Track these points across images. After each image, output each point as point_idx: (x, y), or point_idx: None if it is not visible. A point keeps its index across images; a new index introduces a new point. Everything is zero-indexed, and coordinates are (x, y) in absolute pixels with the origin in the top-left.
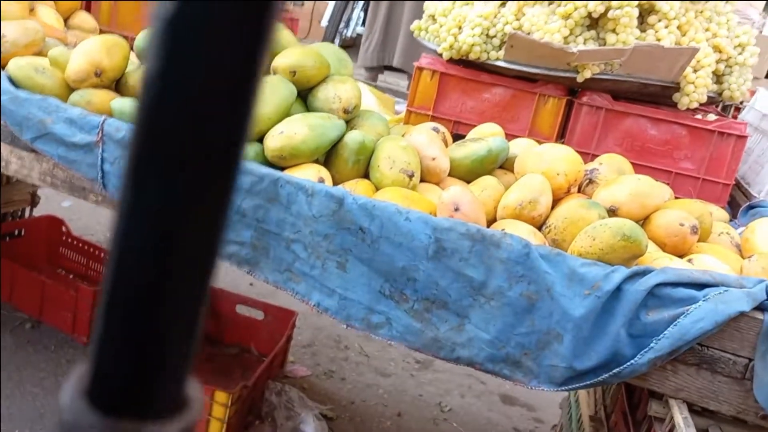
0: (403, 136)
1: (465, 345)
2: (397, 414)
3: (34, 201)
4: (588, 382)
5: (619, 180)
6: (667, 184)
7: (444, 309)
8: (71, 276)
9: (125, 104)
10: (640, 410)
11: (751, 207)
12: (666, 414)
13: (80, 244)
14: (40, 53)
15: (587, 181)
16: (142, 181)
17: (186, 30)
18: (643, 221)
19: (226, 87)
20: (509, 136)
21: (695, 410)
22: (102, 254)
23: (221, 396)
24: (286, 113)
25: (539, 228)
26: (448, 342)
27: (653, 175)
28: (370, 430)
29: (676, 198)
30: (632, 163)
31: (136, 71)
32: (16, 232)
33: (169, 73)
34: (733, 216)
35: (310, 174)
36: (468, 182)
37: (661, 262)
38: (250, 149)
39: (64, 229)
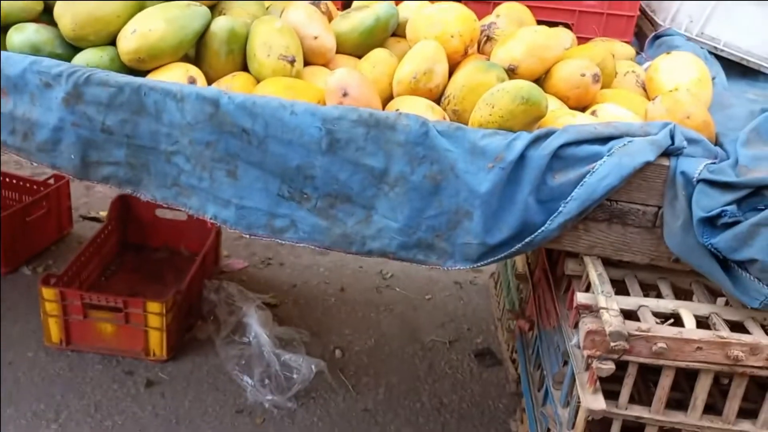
0: (280, 16)
1: (375, 237)
2: (340, 289)
3: None
4: (502, 255)
5: (516, 35)
6: (571, 26)
7: (348, 203)
8: None
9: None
10: (559, 267)
11: (657, 37)
12: (582, 271)
13: None
14: None
15: (485, 38)
16: None
17: None
18: (545, 76)
19: None
20: None
21: (612, 262)
22: None
23: (154, 306)
24: (138, 7)
25: (438, 100)
26: (358, 236)
27: (556, 17)
28: (315, 310)
29: (579, 39)
30: (534, 6)
31: None
32: None
33: None
34: (641, 49)
35: (177, 75)
36: (359, 57)
37: (563, 120)
38: (103, 54)
39: None
